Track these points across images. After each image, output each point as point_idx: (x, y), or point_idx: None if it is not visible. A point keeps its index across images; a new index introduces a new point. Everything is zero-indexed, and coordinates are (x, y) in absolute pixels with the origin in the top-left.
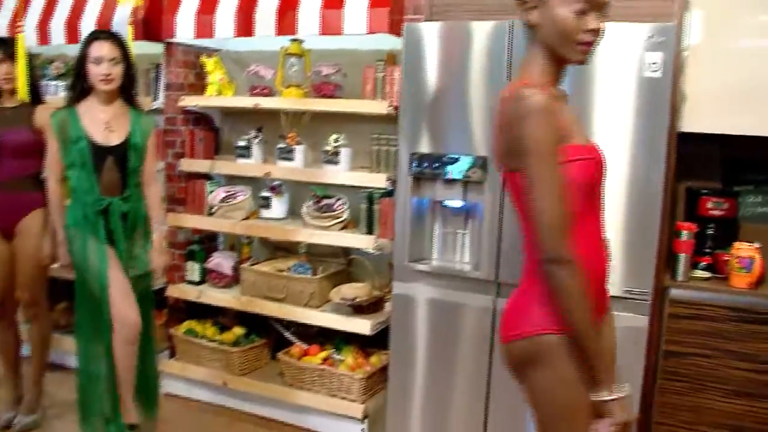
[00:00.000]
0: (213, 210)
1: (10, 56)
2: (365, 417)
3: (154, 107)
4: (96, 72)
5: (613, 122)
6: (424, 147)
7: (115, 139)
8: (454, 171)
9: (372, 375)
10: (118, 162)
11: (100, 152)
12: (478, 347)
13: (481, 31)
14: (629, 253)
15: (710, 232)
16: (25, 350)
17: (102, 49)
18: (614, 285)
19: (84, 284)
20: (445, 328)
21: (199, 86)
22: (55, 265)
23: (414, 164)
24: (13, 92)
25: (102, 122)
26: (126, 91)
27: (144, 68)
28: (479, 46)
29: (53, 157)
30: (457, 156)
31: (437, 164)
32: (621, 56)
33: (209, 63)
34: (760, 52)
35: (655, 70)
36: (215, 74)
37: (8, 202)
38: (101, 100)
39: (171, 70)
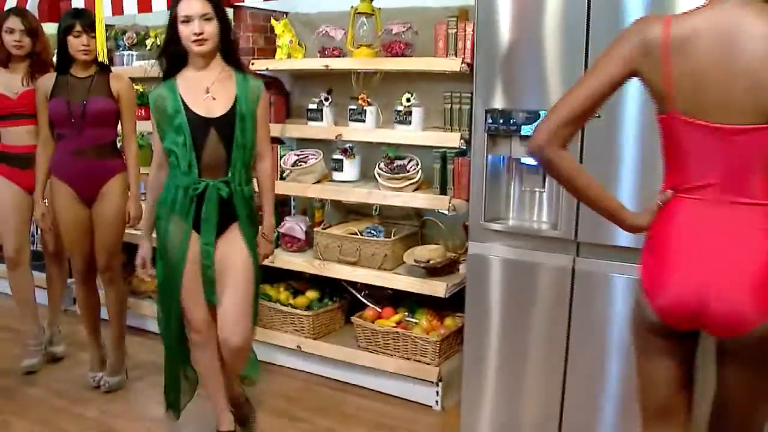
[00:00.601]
0: (284, 174)
1: (87, 28)
2: (439, 380)
3: None
4: (187, 32)
5: None
6: (500, 103)
7: (218, 109)
8: (532, 126)
9: (446, 337)
10: (223, 136)
11: (201, 125)
12: (556, 309)
13: None
14: None
15: None
16: (103, 314)
17: (191, 6)
18: None
19: (163, 266)
20: (522, 289)
21: (268, 50)
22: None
23: (490, 121)
24: (87, 63)
25: (202, 91)
26: (226, 52)
27: None
28: None
29: (156, 144)
30: (534, 111)
31: (513, 120)
32: None
33: (278, 26)
34: None
35: None
36: (285, 37)
37: (91, 169)
38: (199, 65)
39: (240, 35)
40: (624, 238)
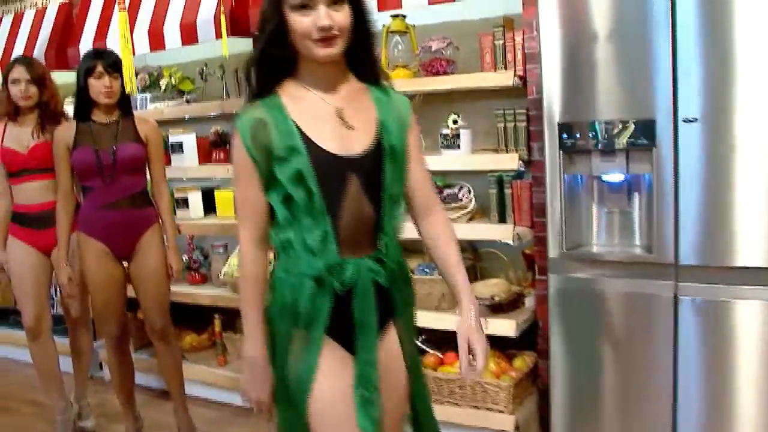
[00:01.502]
0: None
1: (109, 68)
2: (516, 428)
3: None
4: (306, 25)
5: None
6: (569, 116)
7: (357, 143)
8: (615, 139)
9: (519, 381)
10: (369, 184)
11: (336, 169)
12: (659, 343)
13: None
14: None
15: None
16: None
17: None
18: None
19: (283, 410)
20: (617, 323)
21: None
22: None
23: (564, 136)
24: (109, 108)
25: (329, 115)
26: (357, 56)
27: (232, 68)
28: None
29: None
30: (615, 121)
31: (593, 133)
32: None
33: None
34: None
35: None
36: None
37: (127, 221)
38: (319, 77)
39: None
40: (739, 258)
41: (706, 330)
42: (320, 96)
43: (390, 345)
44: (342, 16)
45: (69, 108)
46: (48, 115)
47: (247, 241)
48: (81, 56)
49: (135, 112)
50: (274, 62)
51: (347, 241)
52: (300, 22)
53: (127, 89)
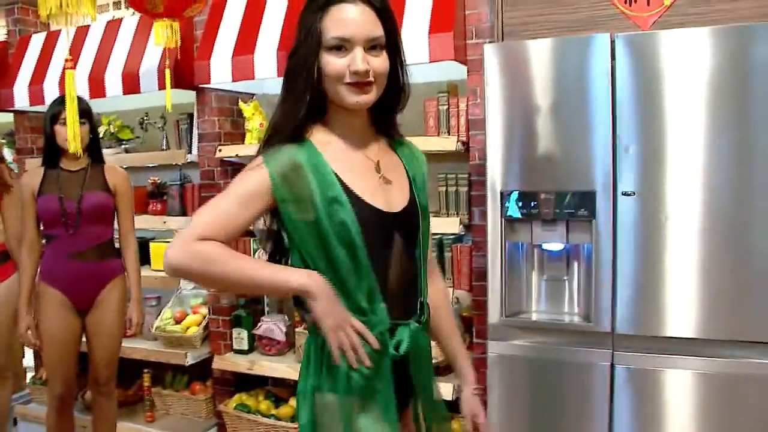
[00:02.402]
0: None
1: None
2: None
3: (189, 161)
4: (339, 67)
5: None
6: (514, 184)
7: (396, 200)
8: (557, 209)
9: None
10: (410, 243)
11: (381, 226)
12: (594, 411)
13: (576, 46)
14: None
15: None
16: None
17: (354, 21)
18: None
19: None
20: (553, 390)
21: (236, 135)
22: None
23: (506, 204)
24: (75, 154)
25: (369, 167)
26: (384, 109)
27: (174, 119)
28: (573, 63)
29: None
30: (557, 192)
31: (534, 203)
32: None
33: (248, 109)
34: None
35: None
36: (254, 120)
37: (90, 273)
38: (349, 124)
39: (206, 119)
40: (672, 328)
41: (641, 398)
42: (351, 145)
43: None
44: (380, 62)
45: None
46: None
47: (196, 238)
48: (47, 103)
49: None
50: (303, 105)
51: (394, 305)
52: (334, 63)
53: (70, 148)
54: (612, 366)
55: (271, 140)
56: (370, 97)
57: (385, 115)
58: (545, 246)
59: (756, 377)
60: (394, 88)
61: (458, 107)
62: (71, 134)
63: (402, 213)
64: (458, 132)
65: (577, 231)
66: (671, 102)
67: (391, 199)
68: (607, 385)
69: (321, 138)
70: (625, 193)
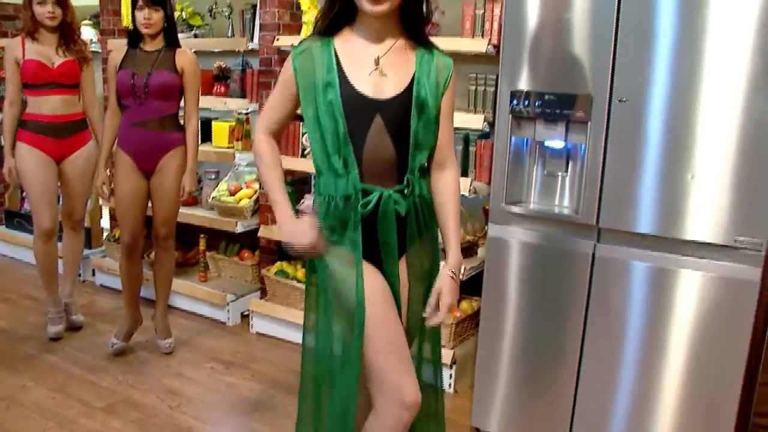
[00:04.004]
0: (306, 151)
1: (150, 2)
2: (453, 363)
3: (251, 48)
4: None
5: (728, 57)
6: (525, 85)
7: (389, 89)
8: (557, 109)
9: (462, 321)
10: (393, 126)
11: (363, 108)
12: (574, 295)
13: None
14: (740, 198)
15: None
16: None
17: None
18: (722, 233)
19: (328, 321)
20: (540, 274)
21: (294, 26)
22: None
23: (514, 102)
24: (153, 37)
25: (369, 62)
26: (409, 16)
27: (239, 9)
28: None
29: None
30: (560, 94)
31: (539, 102)
32: None
33: (305, 2)
34: None
35: None
36: (311, 12)
37: (151, 141)
38: (372, 28)
39: (266, 10)
40: (646, 225)
41: (615, 285)
42: (366, 43)
43: (402, 271)
44: None
45: (85, 30)
46: (67, 35)
47: (261, 131)
48: None
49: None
50: (338, 10)
51: (369, 173)
52: None
53: (123, 22)
54: (593, 255)
55: (307, 37)
56: (383, 7)
57: (412, 22)
58: (547, 143)
59: (732, 280)
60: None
61: (493, 12)
62: (125, 9)
63: (389, 101)
64: (491, 35)
65: (576, 132)
66: (663, 16)
67: (382, 88)
68: (587, 272)
69: (345, 35)
70: (620, 100)
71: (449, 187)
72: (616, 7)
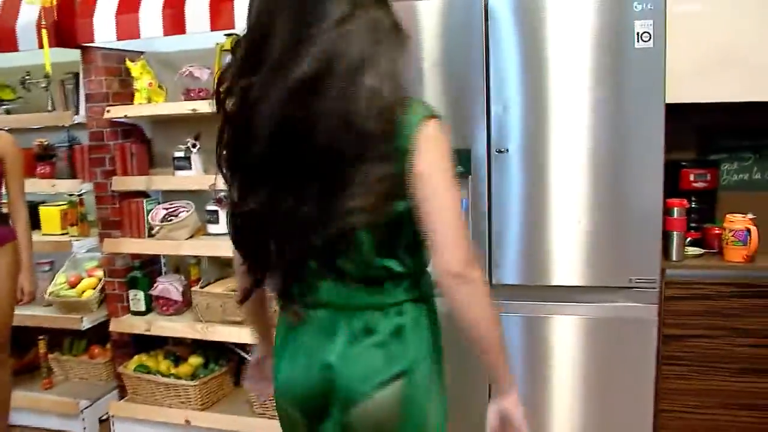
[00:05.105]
0: (154, 231)
1: None
2: None
3: (76, 122)
4: None
5: (605, 97)
6: None
7: None
8: None
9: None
10: None
11: None
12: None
13: (441, 6)
14: (631, 239)
15: (695, 205)
16: None
17: None
18: (619, 275)
19: None
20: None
21: (125, 94)
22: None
23: None
24: None
25: None
26: None
27: (59, 78)
28: (445, 23)
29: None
30: None
31: None
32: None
33: (135, 68)
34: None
35: (647, 40)
36: (143, 79)
37: None
38: None
39: (91, 79)
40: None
41: (525, 344)
42: None
43: None
44: None
45: None
46: None
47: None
48: None
49: None
50: None
51: None
52: None
53: None
54: None
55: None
56: None
57: None
58: None
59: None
60: None
61: None
62: None
63: None
64: None
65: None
66: (551, 62)
67: None
68: None
69: None
70: (499, 151)
71: None
72: (482, 52)
